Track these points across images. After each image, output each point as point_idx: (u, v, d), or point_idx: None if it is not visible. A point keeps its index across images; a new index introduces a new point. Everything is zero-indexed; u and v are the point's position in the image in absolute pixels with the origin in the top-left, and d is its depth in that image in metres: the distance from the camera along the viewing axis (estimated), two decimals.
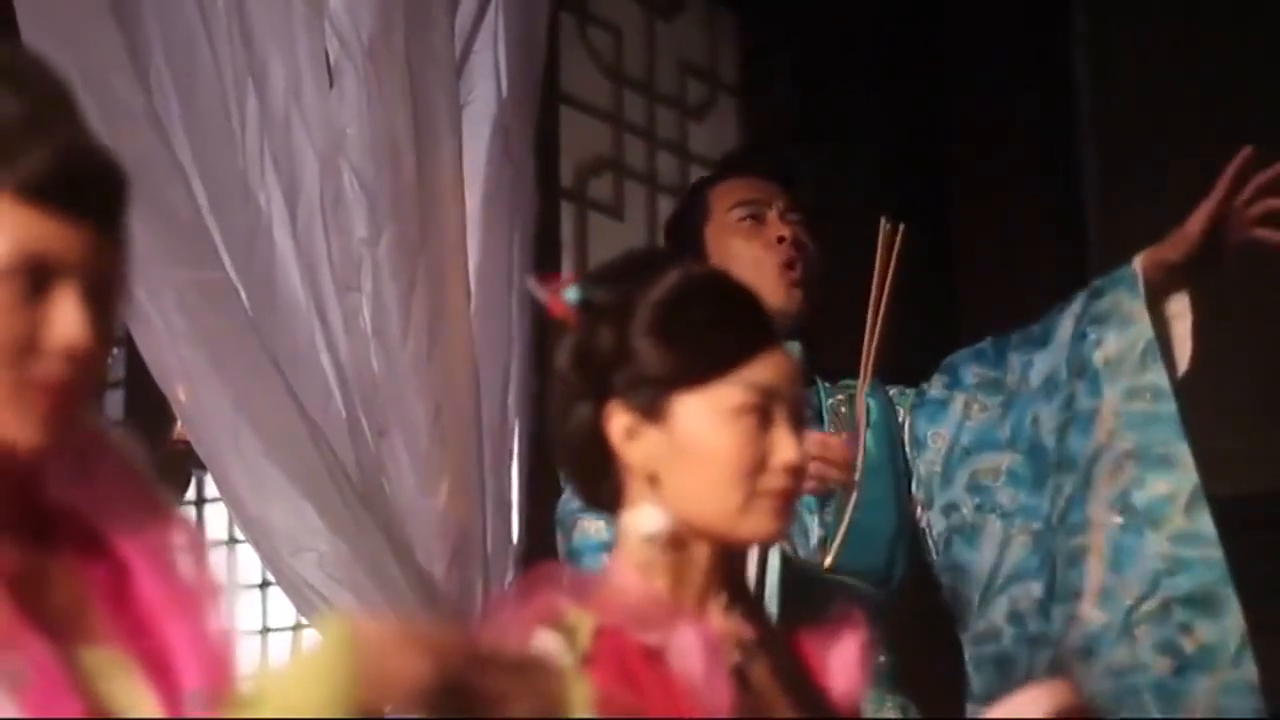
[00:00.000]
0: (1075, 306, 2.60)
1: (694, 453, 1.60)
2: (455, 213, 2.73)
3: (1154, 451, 2.48)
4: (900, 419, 2.71)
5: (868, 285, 2.52)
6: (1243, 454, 3.94)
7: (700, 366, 1.60)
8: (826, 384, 2.69)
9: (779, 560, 2.26)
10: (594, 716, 1.44)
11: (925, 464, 2.69)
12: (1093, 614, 2.46)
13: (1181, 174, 2.89)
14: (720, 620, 1.61)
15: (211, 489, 3.80)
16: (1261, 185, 2.47)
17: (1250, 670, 2.42)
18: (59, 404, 1.24)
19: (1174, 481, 2.47)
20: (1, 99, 1.24)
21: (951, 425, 2.68)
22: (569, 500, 2.46)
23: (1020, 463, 2.63)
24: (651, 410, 1.60)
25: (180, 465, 3.49)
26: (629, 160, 4.12)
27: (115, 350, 3.12)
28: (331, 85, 2.68)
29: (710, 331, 1.62)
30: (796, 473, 1.62)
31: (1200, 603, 2.43)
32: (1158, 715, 2.40)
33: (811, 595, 2.27)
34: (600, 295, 1.64)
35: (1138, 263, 2.54)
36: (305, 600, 2.59)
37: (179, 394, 2.60)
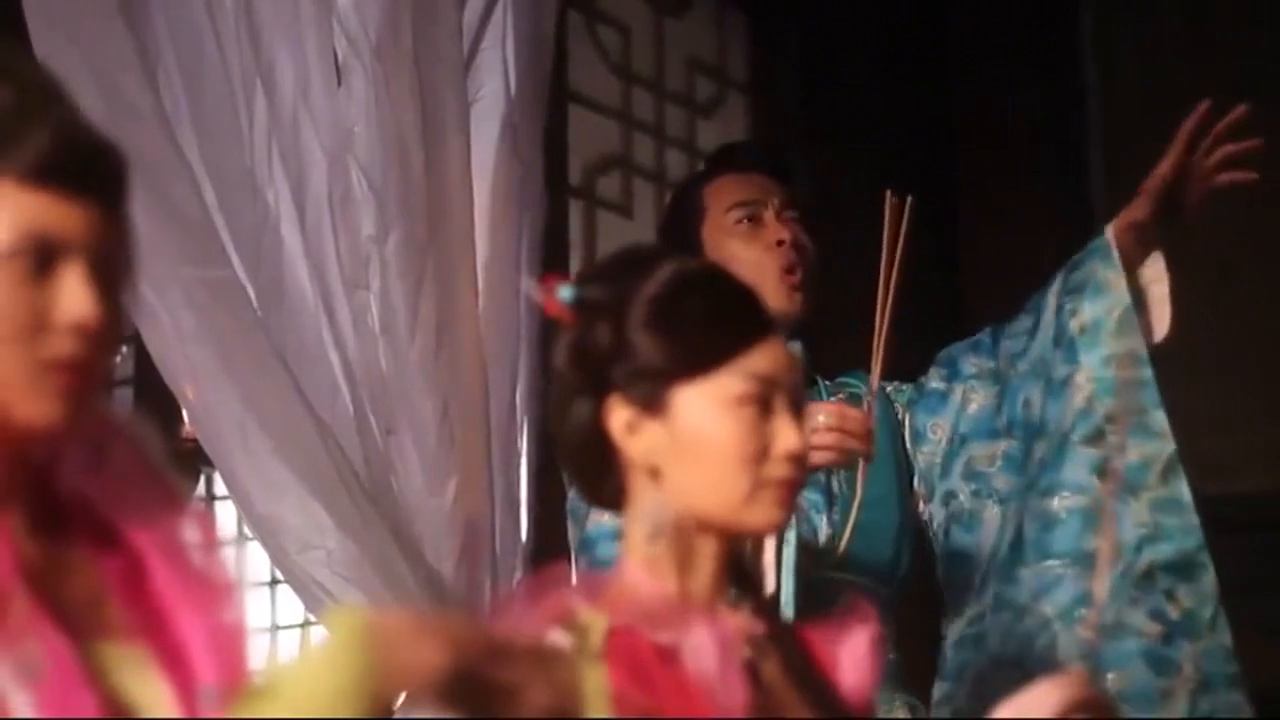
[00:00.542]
0: (1056, 284, 2.62)
1: (696, 444, 1.60)
2: (463, 211, 2.73)
3: (1132, 418, 2.50)
4: (899, 415, 2.71)
5: (873, 283, 2.52)
6: (1242, 453, 3.94)
7: (698, 357, 1.60)
8: (827, 382, 2.69)
9: (795, 553, 2.25)
10: (609, 707, 1.44)
11: (925, 456, 2.69)
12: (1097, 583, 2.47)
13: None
14: (730, 616, 1.61)
15: (220, 487, 3.80)
16: (1219, 134, 2.51)
17: (1225, 635, 2.44)
18: (73, 381, 1.25)
19: (1152, 448, 2.49)
20: None
21: (950, 416, 2.69)
22: None
23: (1015, 447, 2.64)
24: (651, 403, 1.60)
25: (188, 463, 3.50)
26: (637, 158, 4.11)
27: (124, 348, 3.12)
28: (339, 84, 2.68)
29: (707, 322, 1.62)
30: (799, 461, 1.62)
31: (1181, 569, 2.45)
32: (1152, 678, 2.40)
33: (823, 592, 2.26)
34: (595, 293, 1.64)
35: (1109, 231, 2.57)
36: (313, 598, 2.59)
37: (187, 392, 2.60)
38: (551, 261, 2.99)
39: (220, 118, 2.69)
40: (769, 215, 2.63)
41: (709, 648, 1.54)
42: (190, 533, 1.33)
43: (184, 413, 2.83)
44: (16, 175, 1.24)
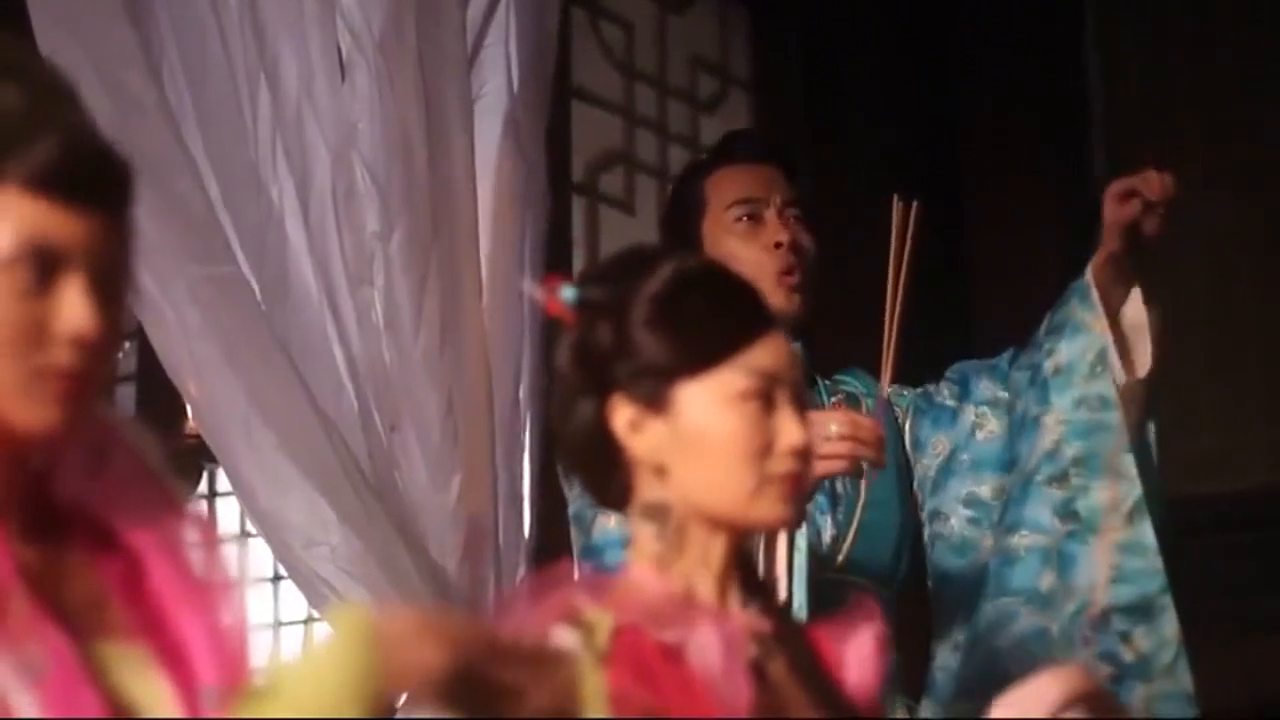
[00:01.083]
0: (1044, 322, 2.63)
1: (700, 440, 1.60)
2: (467, 207, 2.74)
3: (1099, 460, 2.51)
4: (899, 419, 2.71)
5: (878, 280, 2.51)
6: (1243, 451, 3.94)
7: (701, 354, 1.60)
8: (825, 381, 2.69)
9: (805, 558, 2.25)
10: (608, 709, 1.44)
11: (921, 468, 2.69)
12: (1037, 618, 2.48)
13: (1192, 173, 2.89)
14: (737, 615, 1.61)
15: (223, 482, 3.80)
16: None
17: (1185, 679, 2.46)
18: (71, 388, 1.24)
19: (1121, 490, 2.50)
20: (3, 91, 1.25)
21: (956, 436, 2.68)
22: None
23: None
24: (654, 401, 1.60)
25: (192, 459, 3.50)
26: (640, 154, 4.11)
27: (127, 344, 3.13)
28: (343, 80, 2.68)
29: (709, 319, 1.62)
30: (803, 455, 1.62)
31: (1140, 612, 2.47)
32: None
33: (826, 593, 2.27)
34: (596, 292, 1.64)
35: (1089, 272, 2.56)
36: (317, 594, 2.59)
37: (190, 388, 2.60)
38: (554, 258, 2.99)
39: (224, 114, 2.69)
40: (769, 214, 2.62)
41: (714, 646, 1.53)
42: (189, 533, 1.33)
43: (188, 409, 2.84)
44: (21, 181, 1.23)
